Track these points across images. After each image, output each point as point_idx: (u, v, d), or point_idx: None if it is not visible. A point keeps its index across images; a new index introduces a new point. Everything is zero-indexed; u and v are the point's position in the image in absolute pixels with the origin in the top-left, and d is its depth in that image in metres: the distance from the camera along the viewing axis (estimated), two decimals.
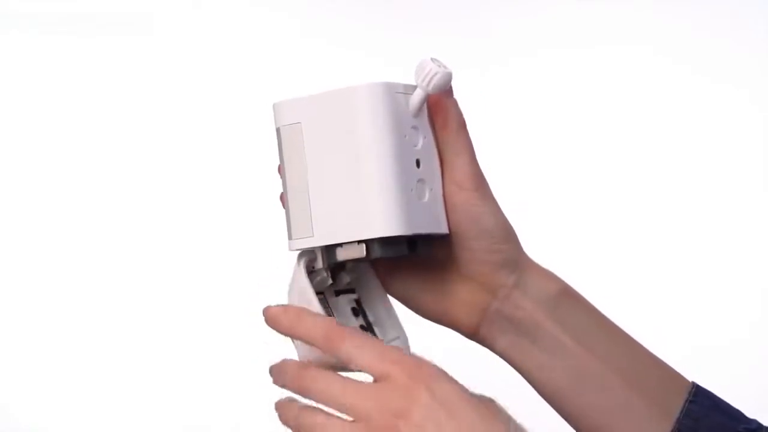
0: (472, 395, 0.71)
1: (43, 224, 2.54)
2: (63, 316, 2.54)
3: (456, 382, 0.71)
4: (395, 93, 0.80)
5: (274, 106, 0.82)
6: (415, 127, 0.81)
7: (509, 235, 0.82)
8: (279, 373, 0.76)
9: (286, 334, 0.77)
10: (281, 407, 0.76)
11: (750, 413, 0.84)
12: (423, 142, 0.81)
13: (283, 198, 0.82)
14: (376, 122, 0.79)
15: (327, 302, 0.84)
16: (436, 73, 0.79)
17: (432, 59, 0.80)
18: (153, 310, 2.54)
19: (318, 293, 0.82)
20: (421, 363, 0.71)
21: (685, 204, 2.56)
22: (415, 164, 0.80)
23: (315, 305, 0.80)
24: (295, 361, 0.77)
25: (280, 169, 0.83)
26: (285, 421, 0.75)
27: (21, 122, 2.56)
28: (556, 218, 2.59)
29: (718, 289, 2.54)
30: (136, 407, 2.53)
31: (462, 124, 0.83)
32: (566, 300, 0.83)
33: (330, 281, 0.83)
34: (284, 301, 0.82)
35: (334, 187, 0.79)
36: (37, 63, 2.56)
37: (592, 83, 2.58)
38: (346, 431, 0.70)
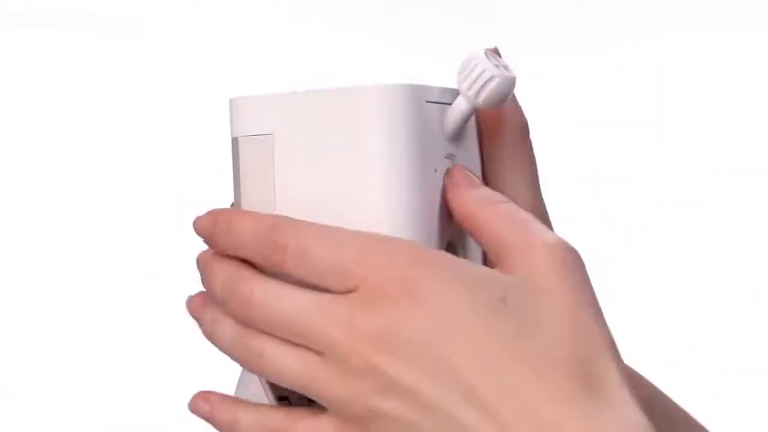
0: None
1: (40, 223, 2.56)
2: (61, 316, 2.55)
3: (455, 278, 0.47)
4: (425, 102, 0.50)
5: (231, 102, 0.52)
6: (451, 156, 0.51)
7: None
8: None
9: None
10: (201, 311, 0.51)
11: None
12: None
13: None
14: (390, 147, 0.49)
15: None
16: (491, 78, 0.50)
17: (486, 54, 0.51)
18: (151, 308, 2.55)
19: None
20: (393, 259, 0.46)
21: (686, 205, 2.57)
22: (445, 215, 0.51)
23: None
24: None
25: (234, 198, 0.53)
26: (213, 337, 0.51)
27: (20, 123, 2.57)
28: (555, 219, 2.59)
29: (719, 290, 2.55)
30: (133, 406, 2.55)
31: (525, 147, 0.54)
32: None
33: None
34: None
35: None
36: (36, 63, 2.57)
37: (593, 85, 2.60)
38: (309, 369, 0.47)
